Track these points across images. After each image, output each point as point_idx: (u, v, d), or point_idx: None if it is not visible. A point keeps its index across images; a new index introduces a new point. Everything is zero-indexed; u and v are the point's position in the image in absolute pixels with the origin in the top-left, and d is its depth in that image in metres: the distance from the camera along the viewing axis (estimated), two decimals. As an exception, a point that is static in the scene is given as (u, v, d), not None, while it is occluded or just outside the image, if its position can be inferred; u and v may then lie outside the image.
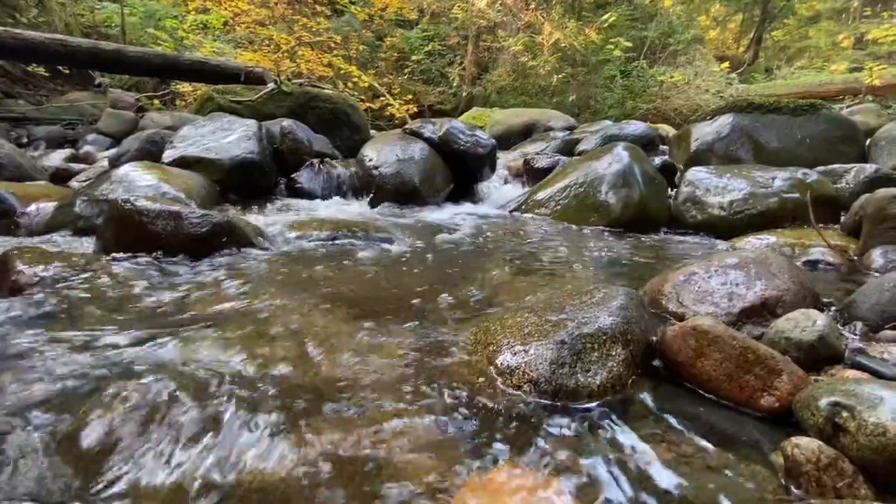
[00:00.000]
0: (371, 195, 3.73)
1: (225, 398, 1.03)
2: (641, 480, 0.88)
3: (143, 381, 1.05)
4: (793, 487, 0.86)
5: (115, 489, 0.83)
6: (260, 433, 0.95)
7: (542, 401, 1.09)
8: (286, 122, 4.05)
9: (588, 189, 3.29)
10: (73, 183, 3.84)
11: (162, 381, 1.05)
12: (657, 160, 3.92)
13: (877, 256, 2.18)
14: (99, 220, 2.25)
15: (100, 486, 0.83)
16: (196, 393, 1.03)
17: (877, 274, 2.08)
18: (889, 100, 9.00)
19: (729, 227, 2.90)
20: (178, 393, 1.02)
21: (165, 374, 1.08)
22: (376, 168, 3.72)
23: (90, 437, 0.92)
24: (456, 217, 3.44)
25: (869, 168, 3.29)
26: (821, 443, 0.88)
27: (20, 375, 1.10)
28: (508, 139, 6.87)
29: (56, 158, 4.55)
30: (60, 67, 7.83)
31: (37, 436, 0.92)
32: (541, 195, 3.55)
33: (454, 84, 12.96)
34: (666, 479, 0.88)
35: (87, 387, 1.07)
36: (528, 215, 3.48)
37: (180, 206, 2.11)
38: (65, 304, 1.53)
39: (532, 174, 4.45)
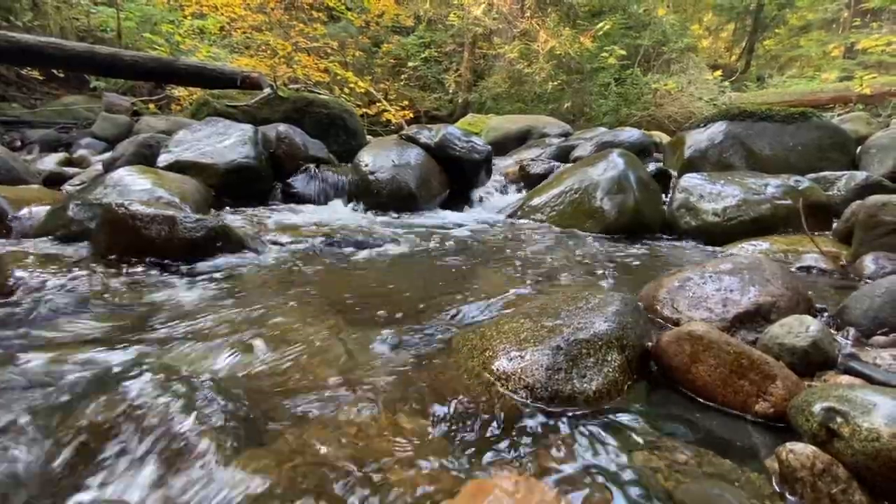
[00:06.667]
0: (367, 200, 3.73)
1: (216, 403, 1.02)
2: (636, 487, 0.88)
3: (133, 387, 1.04)
4: (787, 493, 0.86)
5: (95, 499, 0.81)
6: (251, 439, 0.94)
7: (538, 406, 1.09)
8: (282, 127, 4.05)
9: (583, 195, 3.30)
10: (67, 187, 3.82)
11: (150, 386, 1.04)
12: (651, 167, 3.95)
13: (868, 262, 2.20)
14: (92, 225, 2.23)
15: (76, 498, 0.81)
16: (186, 398, 1.02)
17: (868, 280, 2.10)
18: (879, 108, 9.13)
19: (723, 233, 2.92)
20: (167, 398, 1.01)
21: (155, 380, 1.07)
22: (372, 173, 3.72)
23: (72, 446, 0.90)
24: (451, 222, 3.44)
25: (860, 175, 3.34)
26: (815, 448, 0.89)
27: (6, 381, 1.08)
28: (504, 145, 6.91)
29: (50, 162, 4.51)
30: (55, 71, 7.80)
31: (18, 443, 0.91)
32: (536, 201, 3.56)
33: (450, 90, 13.03)
34: (661, 485, 0.88)
35: (75, 392, 1.05)
36: (524, 221, 3.49)
37: (175, 211, 2.10)
38: (56, 308, 1.52)
39: (527, 180, 4.48)
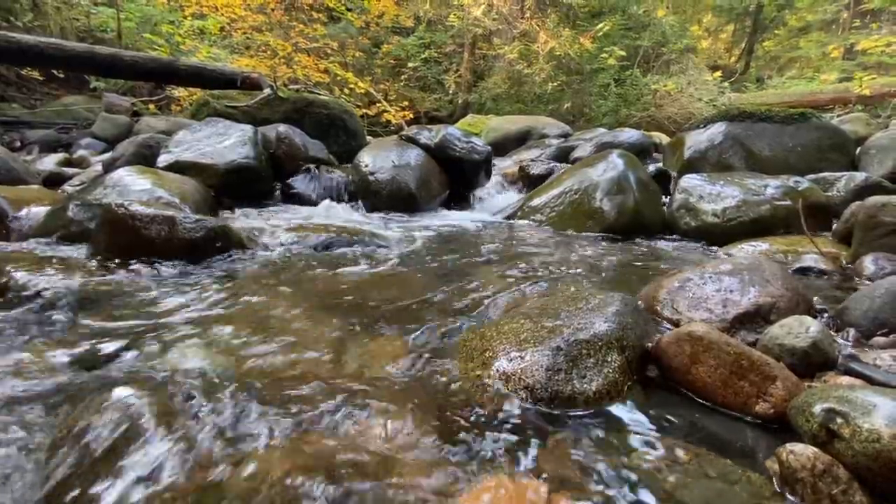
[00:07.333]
0: (367, 201, 3.73)
1: (216, 404, 1.02)
2: (636, 488, 0.88)
3: (132, 388, 1.04)
4: (788, 494, 0.86)
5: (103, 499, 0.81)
6: (251, 443, 0.94)
7: (538, 407, 1.09)
8: (282, 128, 4.05)
9: (583, 196, 3.31)
10: (67, 187, 3.82)
11: (149, 387, 1.04)
12: (651, 167, 3.95)
13: (868, 263, 2.20)
14: (92, 225, 2.23)
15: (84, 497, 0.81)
16: (185, 399, 1.02)
17: (868, 281, 2.10)
18: (879, 109, 9.14)
19: (722, 233, 2.92)
20: (166, 399, 1.00)
21: (154, 381, 1.07)
22: (372, 174, 3.72)
23: (75, 446, 0.90)
24: (451, 223, 3.45)
25: (859, 176, 3.34)
26: (816, 449, 0.89)
27: (6, 382, 1.08)
28: (504, 146, 6.91)
29: (49, 162, 4.52)
30: (55, 71, 7.80)
31: (21, 444, 0.91)
32: (536, 202, 3.56)
33: (450, 91, 13.04)
34: (661, 486, 0.88)
35: (74, 394, 1.05)
36: (524, 222, 3.49)
37: (174, 211, 2.10)
38: (55, 309, 1.52)
39: (527, 181, 4.48)
